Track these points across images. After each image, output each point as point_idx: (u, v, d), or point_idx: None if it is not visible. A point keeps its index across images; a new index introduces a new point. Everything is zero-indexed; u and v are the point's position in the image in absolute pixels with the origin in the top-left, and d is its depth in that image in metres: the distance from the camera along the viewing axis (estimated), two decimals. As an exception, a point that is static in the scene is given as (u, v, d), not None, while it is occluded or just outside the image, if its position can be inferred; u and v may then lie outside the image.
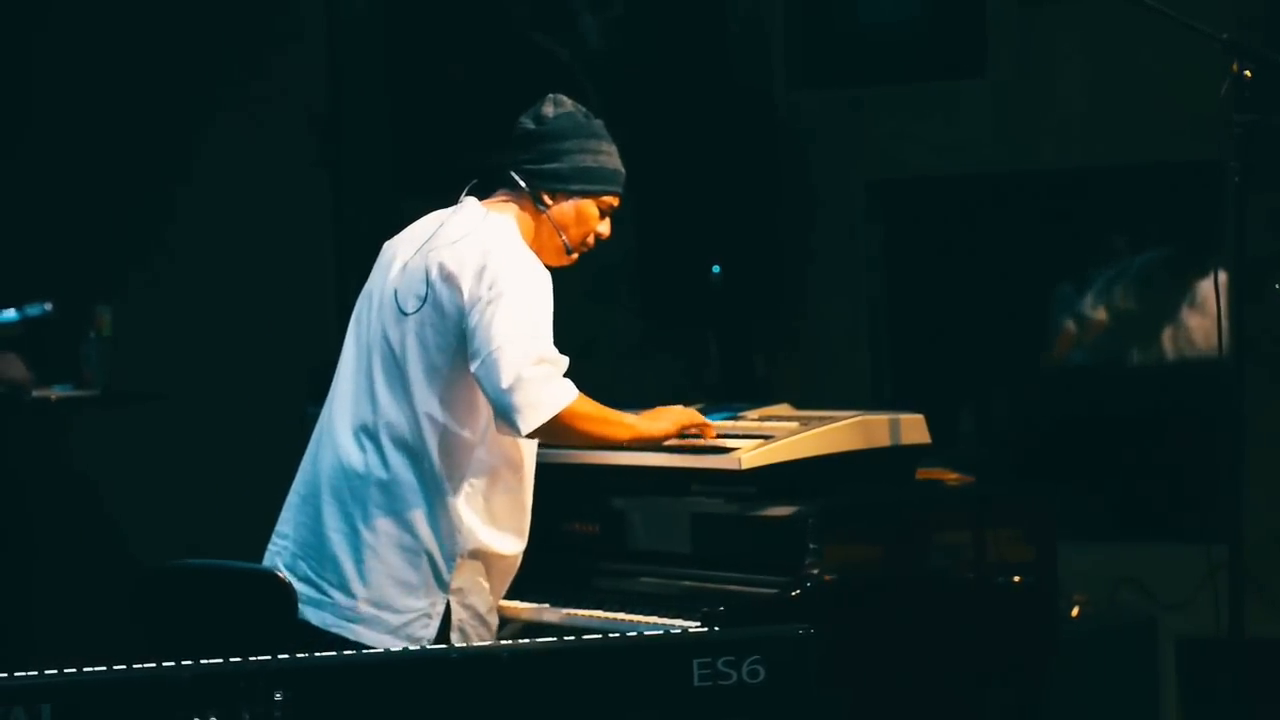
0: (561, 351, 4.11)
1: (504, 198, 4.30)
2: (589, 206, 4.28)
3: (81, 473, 7.36)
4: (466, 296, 4.08)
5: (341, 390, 4.26)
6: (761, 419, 4.61)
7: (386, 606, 4.14)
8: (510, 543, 4.23)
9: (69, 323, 6.91)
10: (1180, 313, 6.65)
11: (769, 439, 4.38)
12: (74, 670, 2.82)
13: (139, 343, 7.10)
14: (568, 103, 4.30)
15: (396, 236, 4.35)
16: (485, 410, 4.12)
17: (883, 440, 4.53)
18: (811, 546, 4.27)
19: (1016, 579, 4.59)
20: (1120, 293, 6.81)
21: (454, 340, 4.10)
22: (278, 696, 2.84)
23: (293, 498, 4.30)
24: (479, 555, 4.19)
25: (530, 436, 4.09)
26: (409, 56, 7.78)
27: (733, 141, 7.04)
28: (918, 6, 7.12)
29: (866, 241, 7.12)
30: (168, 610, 4.32)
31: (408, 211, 4.46)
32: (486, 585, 4.22)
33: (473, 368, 4.05)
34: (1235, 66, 4.07)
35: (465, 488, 4.15)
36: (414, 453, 4.14)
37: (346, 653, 3.00)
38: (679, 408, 4.43)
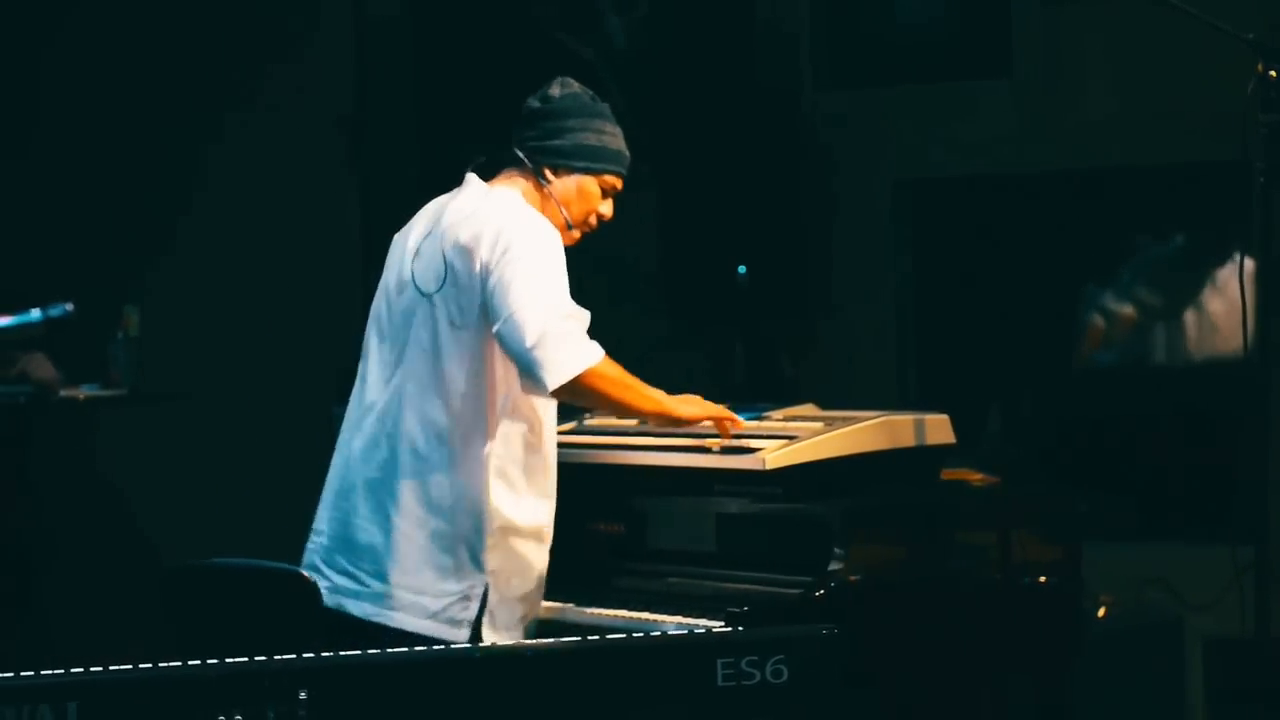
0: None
1: (508, 175, 4.36)
2: (591, 184, 4.35)
3: (108, 472, 7.38)
4: (481, 263, 4.13)
5: (368, 384, 4.30)
6: (786, 419, 4.61)
7: (424, 591, 4.17)
8: (540, 508, 4.26)
9: (95, 323, 6.92)
10: (1206, 313, 6.64)
11: (793, 439, 4.38)
12: (99, 669, 2.83)
13: (166, 343, 7.12)
14: (574, 84, 4.38)
15: (403, 228, 4.40)
16: (509, 378, 4.15)
17: (907, 440, 4.52)
18: (836, 547, 4.27)
19: (1042, 579, 4.58)
20: (1145, 293, 6.80)
21: (476, 311, 4.15)
22: (302, 695, 2.84)
23: (326, 495, 4.33)
24: (511, 530, 4.21)
25: (554, 395, 4.12)
26: (436, 58, 7.79)
27: (758, 142, 7.04)
28: (943, 7, 7.11)
29: (892, 242, 7.12)
30: (194, 609, 4.33)
31: (434, 212, 4.48)
32: (523, 565, 4.24)
33: (495, 328, 4.09)
34: (1260, 67, 4.08)
35: (493, 461, 4.18)
36: (442, 434, 4.17)
37: (371, 651, 2.99)
38: (710, 402, 4.45)
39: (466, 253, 4.16)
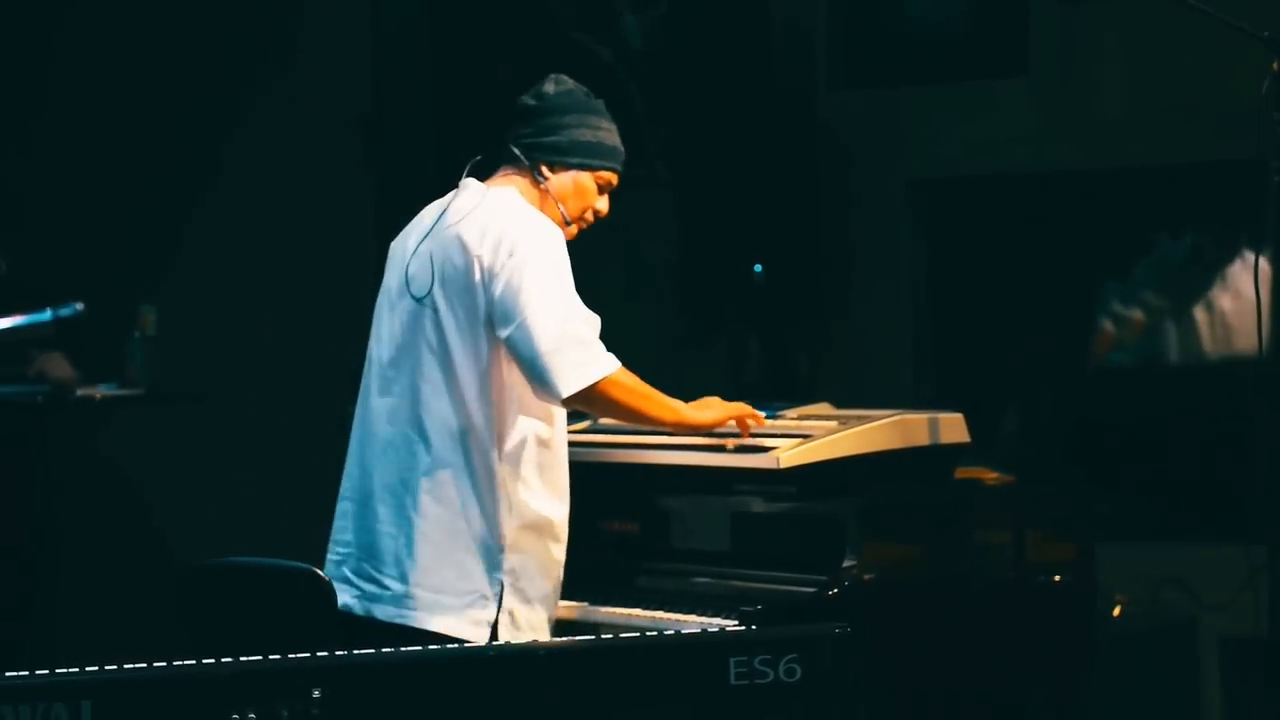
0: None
1: (505, 174, 4.36)
2: (587, 180, 4.35)
3: (124, 471, 7.39)
4: (486, 264, 4.13)
5: (375, 390, 4.31)
6: (800, 418, 4.61)
7: (444, 591, 4.17)
8: (556, 506, 4.27)
9: (112, 322, 6.94)
10: (1221, 312, 6.63)
11: (808, 438, 4.38)
12: (113, 667, 2.84)
13: (183, 342, 7.13)
14: (568, 81, 4.38)
15: (401, 234, 4.41)
16: (518, 377, 4.16)
17: (921, 439, 4.52)
18: (850, 546, 4.27)
19: (1056, 578, 4.58)
20: (1161, 292, 6.79)
21: (482, 311, 4.14)
22: (316, 693, 2.85)
23: (344, 505, 4.34)
24: (528, 528, 4.22)
25: (568, 403, 4.13)
26: (453, 57, 7.80)
27: (775, 141, 7.04)
28: (959, 6, 7.10)
29: (908, 241, 7.12)
30: (208, 608, 4.35)
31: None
32: (541, 563, 4.24)
33: (504, 334, 4.10)
34: (1276, 65, 4.06)
35: (507, 459, 4.19)
36: (456, 434, 4.18)
37: (385, 650, 3.00)
38: (729, 403, 4.45)
39: (470, 253, 4.16)
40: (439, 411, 4.19)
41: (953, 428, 4.58)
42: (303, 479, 5.82)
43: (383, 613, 4.21)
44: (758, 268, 6.95)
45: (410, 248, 4.31)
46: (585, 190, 4.35)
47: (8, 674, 2.79)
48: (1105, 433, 6.88)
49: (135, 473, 7.35)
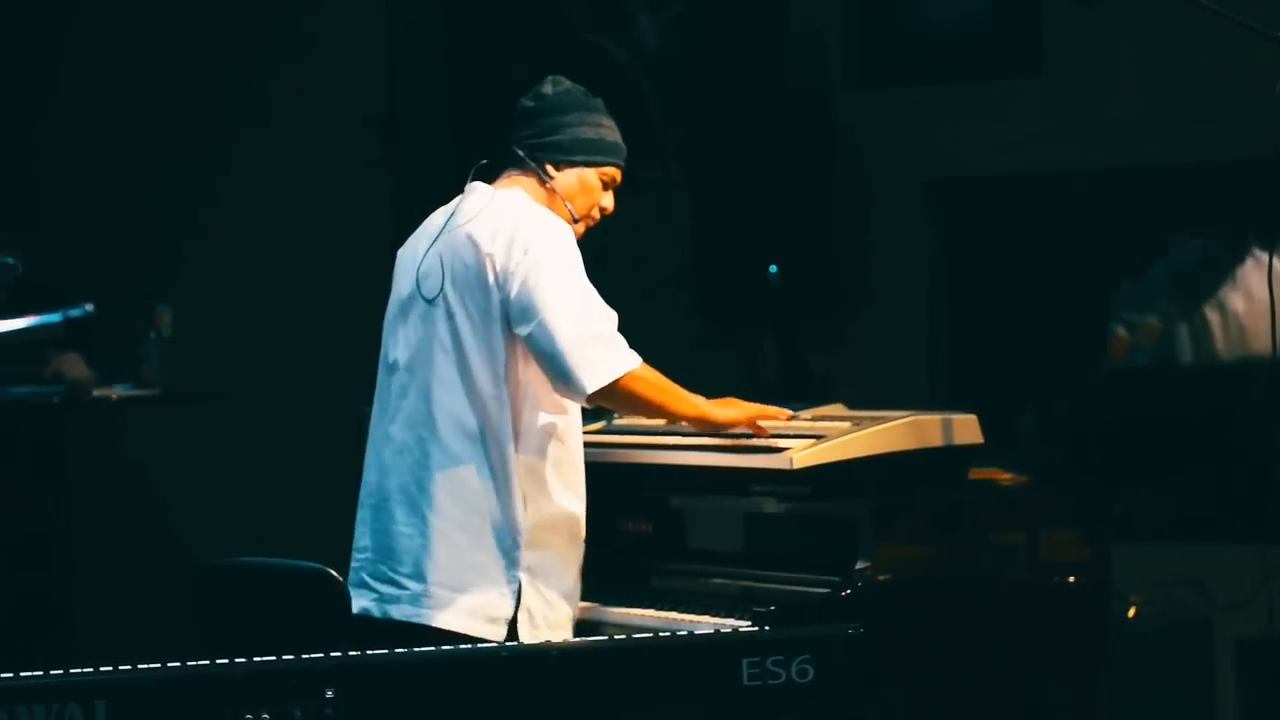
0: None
1: (510, 176, 4.38)
2: (592, 177, 4.37)
3: (140, 471, 7.42)
4: (500, 265, 4.14)
5: (389, 395, 4.32)
6: (814, 419, 4.61)
7: (461, 590, 4.19)
8: (572, 503, 4.28)
9: (125, 323, 6.96)
10: (1236, 312, 6.62)
11: (821, 439, 4.37)
12: (128, 667, 2.84)
13: (198, 343, 7.14)
14: (566, 81, 4.41)
15: (408, 241, 4.43)
16: (532, 375, 4.17)
17: (935, 440, 4.51)
18: (863, 547, 4.27)
19: (1070, 579, 4.58)
20: (1175, 295, 6.78)
21: (497, 310, 4.16)
22: (329, 694, 2.86)
23: (363, 511, 4.36)
24: (544, 526, 4.23)
25: (591, 400, 4.14)
26: (468, 57, 7.81)
27: (789, 141, 7.04)
28: (974, 7, 7.10)
29: (923, 241, 7.12)
30: (223, 608, 4.36)
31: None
32: (558, 561, 4.25)
33: (524, 332, 4.11)
34: (1290, 66, 4.06)
35: (523, 457, 4.20)
36: (472, 433, 4.19)
37: (398, 650, 3.01)
38: (750, 404, 4.45)
39: (482, 252, 4.17)
40: (454, 411, 4.20)
41: (966, 429, 4.58)
42: (318, 479, 5.84)
43: (400, 613, 4.22)
44: (773, 268, 6.95)
45: (420, 253, 4.33)
46: (591, 188, 4.37)
47: (22, 674, 2.80)
48: (1120, 433, 6.88)
49: (151, 473, 7.38)
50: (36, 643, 6.63)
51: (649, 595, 4.54)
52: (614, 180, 4.42)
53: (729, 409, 4.37)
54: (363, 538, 4.34)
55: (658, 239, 7.34)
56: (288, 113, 7.70)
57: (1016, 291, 6.98)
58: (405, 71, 7.87)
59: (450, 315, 4.22)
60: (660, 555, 4.67)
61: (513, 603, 4.19)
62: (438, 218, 4.38)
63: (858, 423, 4.49)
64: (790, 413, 4.51)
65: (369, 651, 3.01)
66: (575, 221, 4.36)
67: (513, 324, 4.14)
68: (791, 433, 4.46)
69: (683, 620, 4.34)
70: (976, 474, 4.69)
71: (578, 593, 4.33)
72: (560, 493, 4.25)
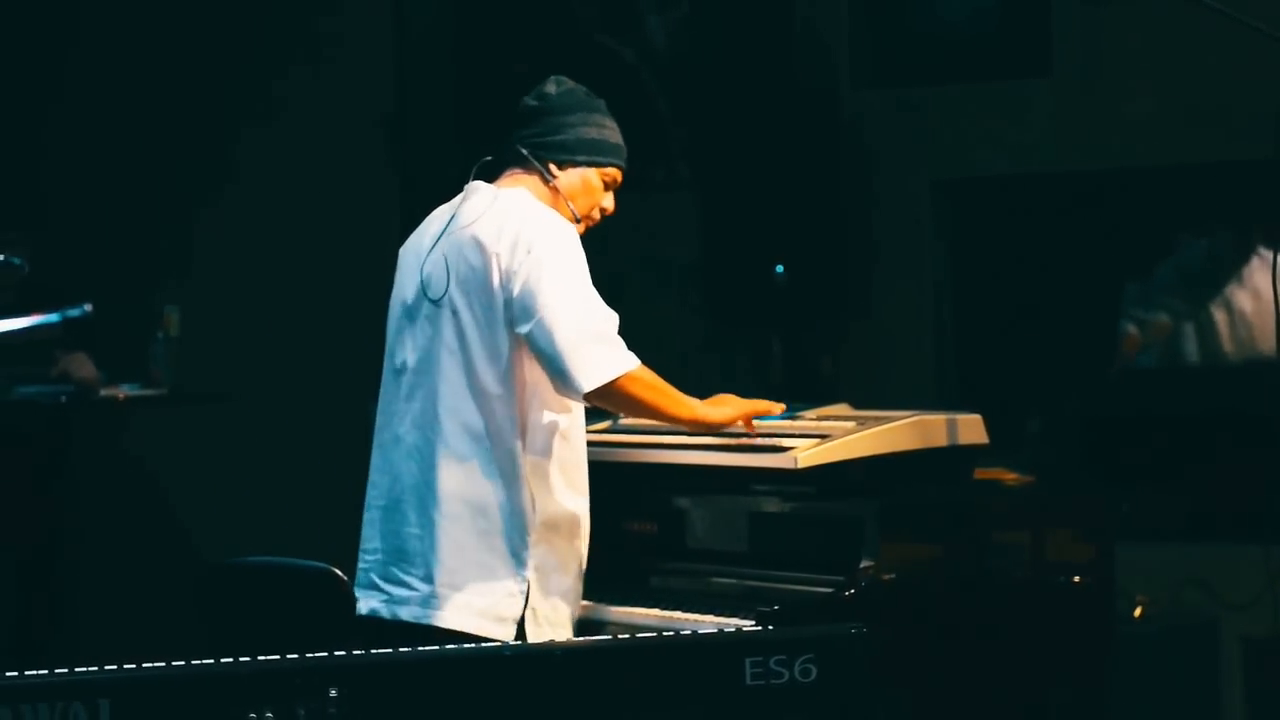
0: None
1: (513, 174, 4.39)
2: (594, 178, 4.38)
3: (147, 471, 7.43)
4: (504, 262, 4.15)
5: (396, 397, 4.33)
6: (819, 418, 4.62)
7: (469, 590, 4.19)
8: (577, 503, 4.29)
9: (133, 323, 6.97)
10: (1243, 312, 6.62)
11: (826, 438, 4.38)
12: (132, 666, 2.85)
13: (206, 343, 7.15)
14: (569, 81, 4.42)
15: (410, 238, 4.43)
16: (536, 375, 4.18)
17: (940, 440, 4.52)
18: (868, 546, 4.27)
19: (1075, 579, 4.58)
20: (1184, 293, 6.78)
21: (500, 309, 4.16)
22: (333, 693, 2.86)
23: (371, 513, 4.36)
24: (550, 526, 4.24)
25: (588, 399, 4.15)
26: (476, 58, 7.82)
27: (797, 141, 7.04)
28: (983, 6, 7.10)
29: (931, 241, 7.12)
30: (228, 607, 4.36)
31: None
32: (563, 561, 4.26)
33: (524, 330, 4.12)
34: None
35: (529, 457, 4.21)
36: (478, 434, 4.20)
37: (402, 650, 3.01)
38: (744, 400, 4.46)
39: (487, 251, 4.18)
40: (460, 411, 4.21)
41: (971, 428, 4.58)
42: (325, 479, 5.85)
43: (409, 614, 4.23)
44: (780, 268, 6.95)
45: (423, 252, 4.33)
46: (593, 188, 4.38)
47: (26, 673, 2.80)
48: (1131, 433, 6.87)
49: (158, 473, 7.39)
50: (44, 641, 6.64)
51: (652, 594, 4.55)
52: (615, 181, 4.43)
53: (722, 408, 4.38)
54: (372, 539, 4.34)
55: (665, 238, 7.35)
56: (296, 113, 7.70)
57: (1024, 291, 6.97)
58: (414, 72, 7.88)
59: (456, 316, 4.22)
60: (664, 554, 4.68)
61: (521, 602, 4.20)
62: (439, 217, 4.39)
63: (862, 422, 4.49)
64: (784, 406, 4.51)
65: (373, 650, 3.01)
66: (577, 221, 4.36)
67: (514, 322, 4.15)
68: (796, 432, 4.47)
69: (686, 620, 4.35)
70: (982, 474, 4.69)
71: (579, 593, 4.34)
72: (565, 492, 4.26)
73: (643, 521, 4.72)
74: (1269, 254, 6.43)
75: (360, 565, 4.35)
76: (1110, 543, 4.63)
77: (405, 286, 4.38)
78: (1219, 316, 6.67)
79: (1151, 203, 6.83)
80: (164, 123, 7.65)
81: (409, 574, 4.24)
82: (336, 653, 2.95)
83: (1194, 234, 6.82)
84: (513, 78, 7.56)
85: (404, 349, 4.33)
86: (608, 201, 4.43)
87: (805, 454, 4.31)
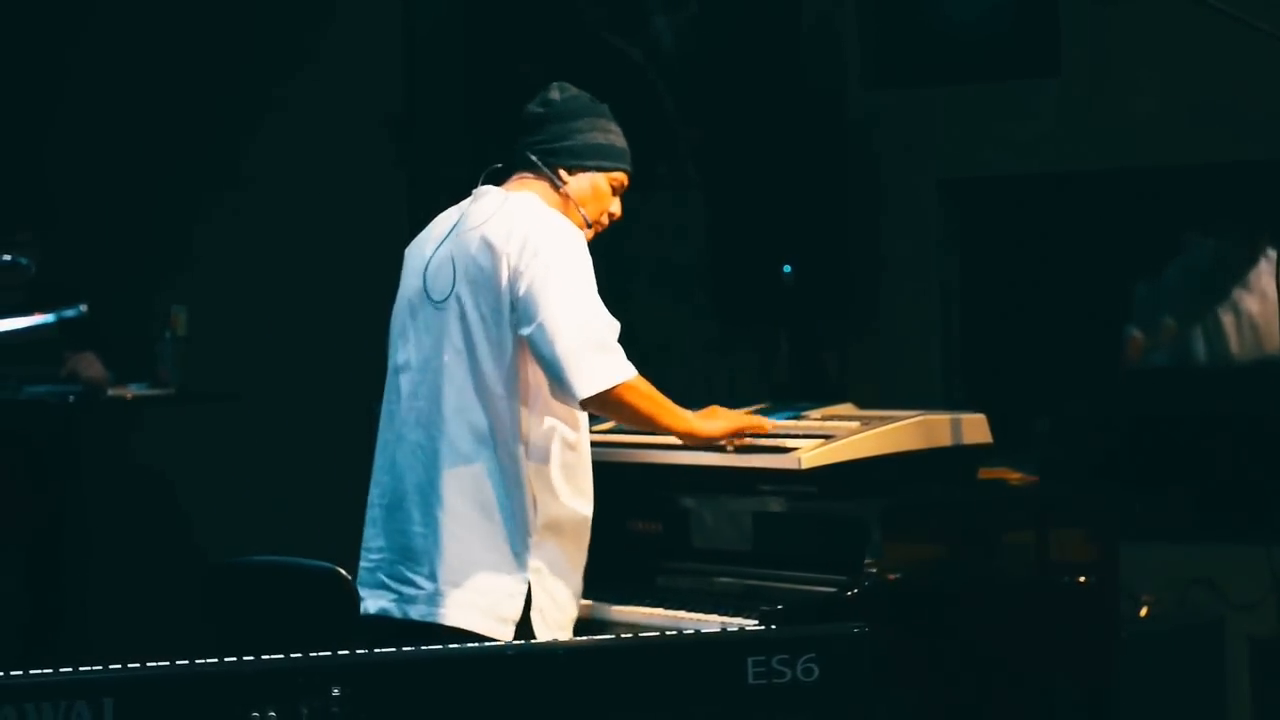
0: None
1: (522, 179, 4.40)
2: (603, 183, 4.40)
3: (154, 470, 7.43)
4: (511, 264, 4.16)
5: (400, 396, 4.34)
6: (823, 418, 4.62)
7: (472, 589, 4.20)
8: (580, 504, 4.30)
9: (140, 322, 6.98)
10: (1249, 312, 6.61)
11: (830, 438, 4.39)
12: (136, 665, 2.85)
13: (213, 342, 7.16)
14: (572, 87, 4.43)
15: (416, 239, 4.44)
16: (540, 377, 4.19)
17: (944, 440, 4.52)
18: (871, 546, 4.27)
19: (1080, 579, 4.58)
20: (1192, 293, 6.77)
21: (505, 311, 4.18)
22: (335, 692, 2.86)
23: (375, 512, 4.37)
24: (553, 527, 4.25)
25: (584, 406, 4.16)
26: (484, 59, 7.82)
27: (805, 141, 7.04)
28: (990, 6, 7.09)
29: (938, 241, 7.11)
30: (233, 606, 4.37)
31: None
32: (566, 561, 4.27)
33: (525, 332, 4.14)
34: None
35: (532, 458, 4.22)
36: (482, 434, 4.21)
37: (404, 649, 3.02)
38: (735, 411, 4.47)
39: (496, 252, 4.19)
40: (465, 411, 4.22)
41: (975, 428, 4.59)
42: (332, 479, 5.85)
43: (417, 612, 4.24)
44: (787, 268, 6.96)
45: (428, 253, 4.34)
46: (601, 193, 4.40)
47: (30, 672, 2.81)
48: (1138, 433, 6.87)
49: (165, 472, 7.39)
50: (52, 640, 6.66)
51: (657, 594, 4.56)
52: (622, 185, 4.45)
53: (714, 421, 4.39)
54: (376, 539, 4.35)
55: (673, 238, 7.35)
56: (304, 113, 7.71)
57: (1031, 291, 6.97)
58: (422, 73, 7.89)
59: (462, 316, 4.23)
60: (669, 554, 4.68)
61: (522, 603, 4.21)
62: (446, 219, 4.40)
63: (866, 422, 4.50)
64: (775, 422, 4.52)
65: (375, 650, 3.02)
66: (588, 226, 4.38)
67: (517, 324, 4.15)
68: (800, 432, 4.47)
69: (691, 619, 4.36)
70: (986, 473, 4.70)
71: (580, 592, 4.35)
72: (568, 494, 4.27)
73: (647, 521, 4.73)
74: (1276, 254, 6.43)
75: (364, 564, 4.36)
76: (1115, 542, 4.63)
77: (410, 287, 4.39)
78: (1225, 317, 6.66)
79: (1159, 203, 6.82)
80: (172, 123, 7.66)
81: (416, 573, 4.25)
82: (339, 652, 2.96)
83: (1201, 234, 6.81)
84: (520, 78, 7.59)
85: (408, 348, 4.34)
86: (615, 206, 4.44)
87: (809, 454, 4.31)
